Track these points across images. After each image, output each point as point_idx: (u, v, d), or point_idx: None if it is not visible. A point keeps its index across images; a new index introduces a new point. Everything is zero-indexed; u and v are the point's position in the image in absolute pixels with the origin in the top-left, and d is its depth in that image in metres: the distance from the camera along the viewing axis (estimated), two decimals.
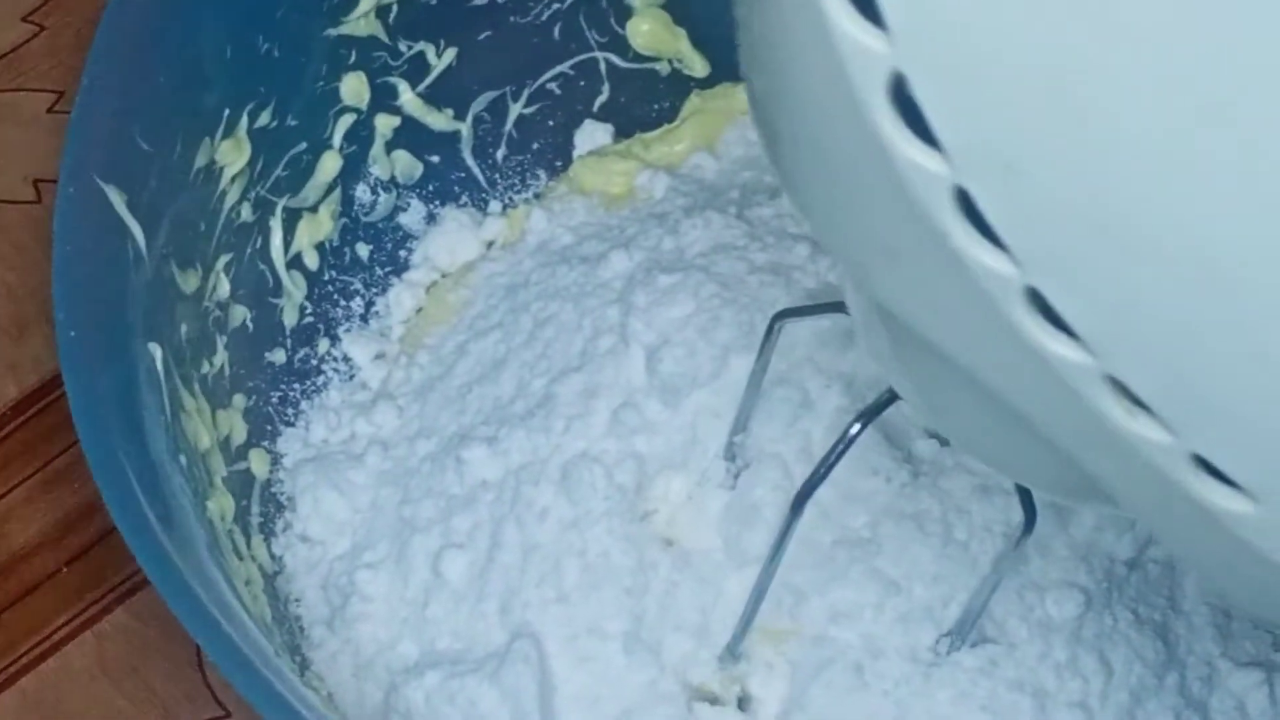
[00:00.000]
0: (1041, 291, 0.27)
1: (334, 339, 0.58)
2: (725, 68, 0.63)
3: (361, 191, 0.59)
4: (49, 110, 0.65)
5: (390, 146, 0.59)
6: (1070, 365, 0.28)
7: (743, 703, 0.50)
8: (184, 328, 0.50)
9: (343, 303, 0.59)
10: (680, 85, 0.63)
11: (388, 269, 0.60)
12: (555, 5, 0.60)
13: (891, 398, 0.42)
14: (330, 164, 0.57)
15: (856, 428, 0.44)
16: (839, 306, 0.47)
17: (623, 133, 0.63)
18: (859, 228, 0.31)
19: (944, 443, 0.51)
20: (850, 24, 0.27)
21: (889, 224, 0.29)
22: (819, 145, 0.30)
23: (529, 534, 0.51)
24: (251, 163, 0.53)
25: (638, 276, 0.55)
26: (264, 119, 0.54)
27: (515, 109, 0.61)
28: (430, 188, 0.60)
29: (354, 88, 0.57)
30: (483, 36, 0.60)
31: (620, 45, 0.62)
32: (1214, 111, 0.24)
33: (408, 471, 0.54)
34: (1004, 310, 0.28)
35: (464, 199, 0.61)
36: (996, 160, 0.26)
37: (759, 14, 0.31)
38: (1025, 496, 0.45)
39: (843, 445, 0.44)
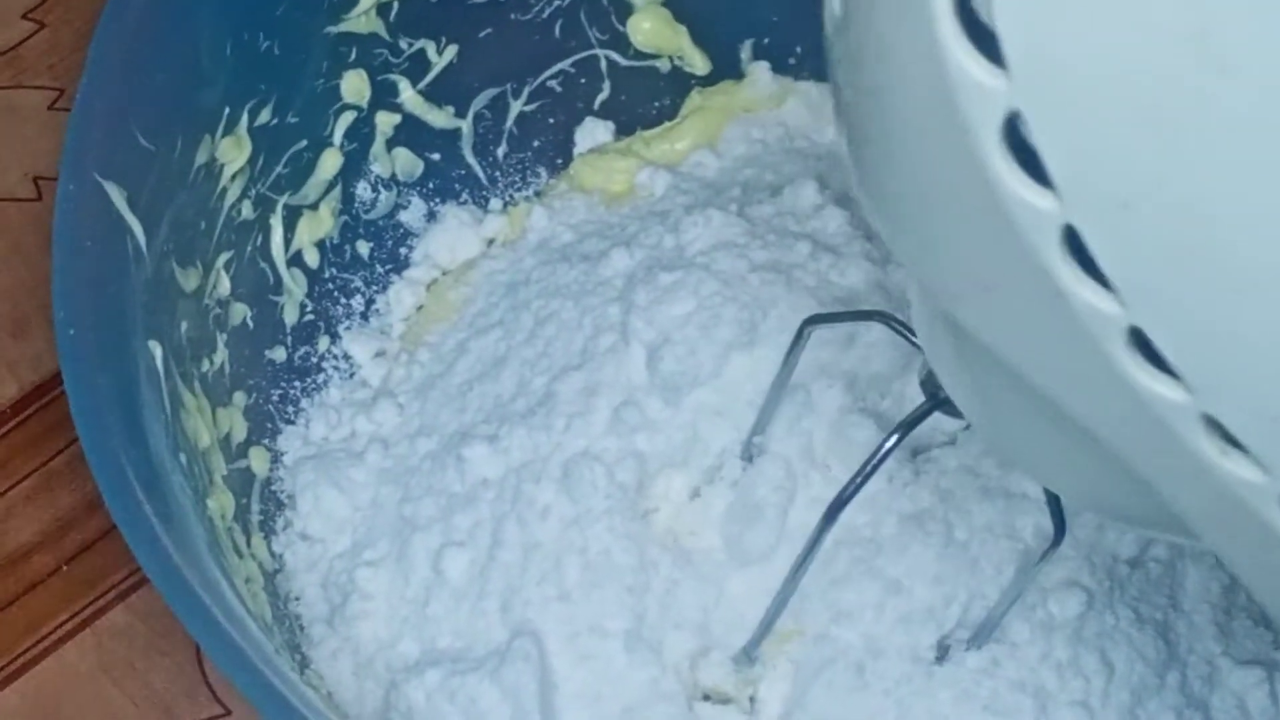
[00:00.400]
0: (1145, 330, 0.27)
1: (334, 337, 0.58)
2: (726, 65, 0.63)
3: (362, 189, 0.59)
4: (49, 108, 0.65)
5: (391, 144, 0.59)
6: (1167, 403, 0.28)
7: (749, 701, 0.50)
8: (184, 325, 0.50)
9: (343, 300, 0.59)
10: (681, 83, 0.63)
11: (388, 266, 0.60)
12: (556, 2, 0.60)
13: (929, 410, 0.42)
14: (331, 161, 0.57)
15: (894, 439, 0.43)
16: (869, 315, 0.47)
17: (623, 130, 0.63)
18: (953, 257, 0.31)
19: (947, 443, 0.51)
20: (969, 60, 0.27)
21: (989, 257, 0.29)
22: (917, 173, 0.30)
23: (530, 532, 0.51)
24: (252, 160, 0.53)
25: (638, 275, 0.55)
26: (264, 116, 0.54)
27: (516, 106, 0.61)
28: (431, 185, 0.60)
29: (355, 85, 0.57)
30: (483, 34, 0.59)
31: (621, 43, 0.62)
32: None
33: (408, 469, 0.54)
34: (1104, 348, 0.28)
35: (464, 196, 0.61)
36: (1110, 199, 0.26)
37: (865, 36, 0.31)
38: (1055, 508, 0.45)
39: (879, 457, 0.44)
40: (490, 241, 0.61)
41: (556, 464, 0.51)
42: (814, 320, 0.48)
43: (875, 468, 0.44)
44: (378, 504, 0.53)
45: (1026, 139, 0.27)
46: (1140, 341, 0.28)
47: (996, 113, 0.27)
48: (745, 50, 0.63)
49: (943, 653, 0.49)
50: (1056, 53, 0.26)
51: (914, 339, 0.41)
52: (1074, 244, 0.27)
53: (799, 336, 0.48)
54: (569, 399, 0.52)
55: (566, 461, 0.51)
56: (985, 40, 0.27)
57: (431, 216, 0.60)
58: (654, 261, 0.55)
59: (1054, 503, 0.45)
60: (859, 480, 0.44)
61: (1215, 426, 0.28)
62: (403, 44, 0.58)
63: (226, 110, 0.52)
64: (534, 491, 0.51)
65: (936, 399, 0.42)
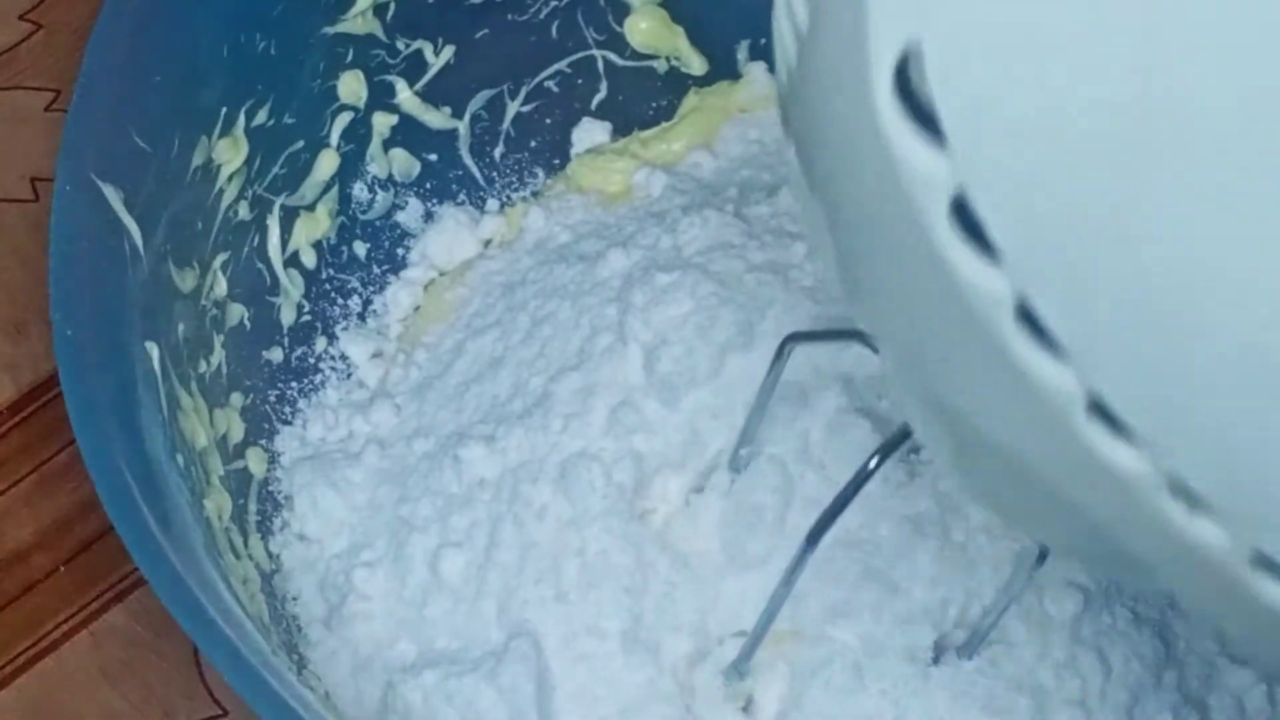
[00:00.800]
0: (1103, 397, 0.27)
1: (331, 337, 0.58)
2: (723, 65, 0.63)
3: (359, 190, 0.59)
4: (46, 109, 0.65)
5: (388, 145, 0.59)
6: (1131, 470, 0.28)
7: (744, 705, 0.50)
8: (181, 326, 0.50)
9: (340, 301, 0.59)
10: (678, 83, 0.63)
11: (385, 267, 0.60)
12: (553, 3, 0.60)
13: (908, 434, 0.42)
14: (328, 162, 0.57)
15: (874, 462, 0.43)
16: (854, 335, 0.47)
17: (620, 131, 0.63)
18: (913, 330, 0.31)
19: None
20: (911, 144, 0.27)
21: (947, 331, 0.29)
22: (871, 246, 0.30)
23: (527, 533, 0.51)
24: (249, 161, 0.53)
25: (635, 275, 0.55)
26: (261, 117, 0.54)
27: (513, 107, 0.61)
28: (428, 186, 0.60)
29: (351, 86, 0.57)
30: (480, 34, 0.59)
31: (618, 43, 0.62)
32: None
33: (405, 470, 0.54)
34: (1066, 419, 0.28)
35: (461, 197, 0.61)
36: (1059, 268, 0.26)
37: (813, 123, 0.31)
38: None
39: (859, 479, 0.44)
40: (487, 242, 0.61)
41: (553, 464, 0.51)
42: (795, 338, 0.48)
43: (857, 490, 0.44)
44: (375, 505, 0.53)
45: (974, 214, 0.27)
46: (1100, 409, 0.27)
47: (942, 192, 0.27)
48: (742, 50, 0.63)
49: (939, 653, 0.49)
50: (994, 127, 0.26)
51: None
52: (1028, 319, 0.27)
53: (780, 354, 0.48)
54: (566, 399, 0.52)
55: (564, 462, 0.51)
56: (927, 120, 0.27)
57: (428, 217, 0.60)
58: (651, 262, 0.55)
59: None
60: (839, 503, 0.44)
61: (1180, 490, 0.28)
62: (399, 45, 0.58)
63: (223, 111, 0.52)
64: (531, 492, 0.51)
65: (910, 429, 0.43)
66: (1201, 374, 0.26)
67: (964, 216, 0.27)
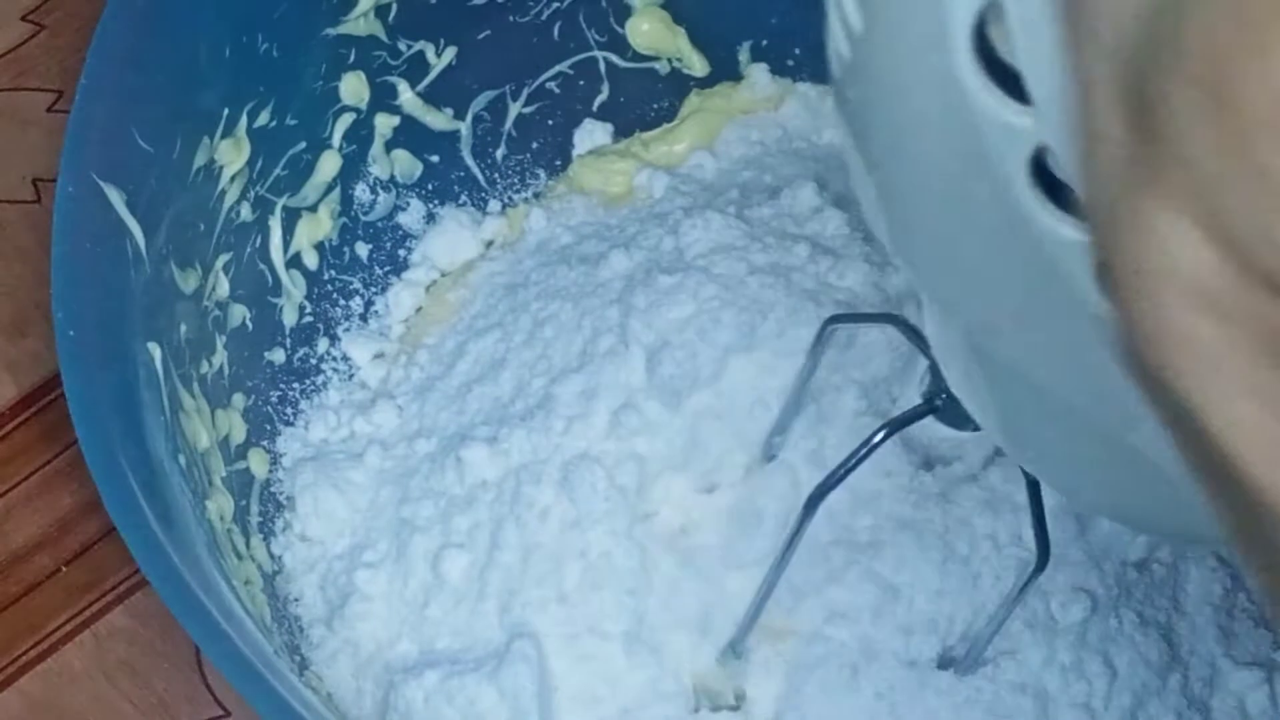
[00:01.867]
0: None
1: (333, 338, 0.58)
2: (725, 67, 0.63)
3: (361, 191, 0.59)
4: (48, 110, 0.65)
5: (390, 146, 0.59)
6: None
7: (737, 700, 0.50)
8: (183, 327, 0.50)
9: (342, 302, 0.59)
10: (679, 84, 0.63)
11: (387, 268, 0.60)
12: (555, 4, 0.60)
13: (925, 411, 0.42)
14: (330, 163, 0.57)
15: (881, 435, 0.43)
16: (888, 318, 0.47)
17: (622, 132, 0.63)
18: (989, 292, 0.31)
19: (951, 460, 0.51)
20: (992, 100, 0.27)
21: (1025, 290, 0.29)
22: (944, 210, 0.30)
23: (529, 534, 0.51)
24: (251, 162, 0.53)
25: (637, 277, 0.55)
26: (263, 118, 0.54)
27: (515, 108, 0.61)
28: (429, 187, 0.60)
29: (353, 87, 0.57)
30: (482, 36, 0.59)
31: (620, 44, 0.62)
32: None
33: (407, 471, 0.54)
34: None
35: (463, 198, 0.61)
36: None
37: (880, 79, 0.31)
38: (1040, 530, 0.44)
39: (864, 450, 0.44)
40: (489, 243, 0.61)
41: (556, 466, 0.51)
42: (836, 320, 0.48)
43: (860, 460, 0.44)
44: (377, 506, 0.53)
45: (1053, 171, 0.27)
46: None
47: (1023, 149, 0.27)
48: (744, 52, 0.63)
49: (946, 664, 0.49)
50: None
51: (924, 347, 0.41)
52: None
53: (820, 337, 0.48)
54: (568, 401, 0.52)
55: (566, 463, 0.51)
56: (1006, 78, 0.27)
57: (430, 218, 0.60)
58: (653, 264, 0.55)
59: (1039, 524, 0.44)
60: (842, 472, 0.44)
61: None
62: (401, 46, 0.58)
63: (225, 112, 0.52)
64: (533, 493, 0.51)
65: (933, 406, 0.42)
66: None
67: (1042, 170, 0.27)
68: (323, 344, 0.58)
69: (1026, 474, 0.44)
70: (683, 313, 0.53)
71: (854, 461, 0.44)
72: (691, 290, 0.53)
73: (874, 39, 0.30)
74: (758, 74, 0.63)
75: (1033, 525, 0.45)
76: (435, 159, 0.60)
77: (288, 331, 0.56)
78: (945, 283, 0.33)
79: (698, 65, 0.63)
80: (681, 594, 0.50)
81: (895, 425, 0.44)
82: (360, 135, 0.58)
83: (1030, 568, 0.45)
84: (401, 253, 0.60)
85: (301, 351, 0.57)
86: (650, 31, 0.62)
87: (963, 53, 0.27)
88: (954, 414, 0.41)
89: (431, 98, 0.59)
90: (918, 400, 0.44)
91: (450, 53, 0.59)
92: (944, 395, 0.42)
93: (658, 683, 0.49)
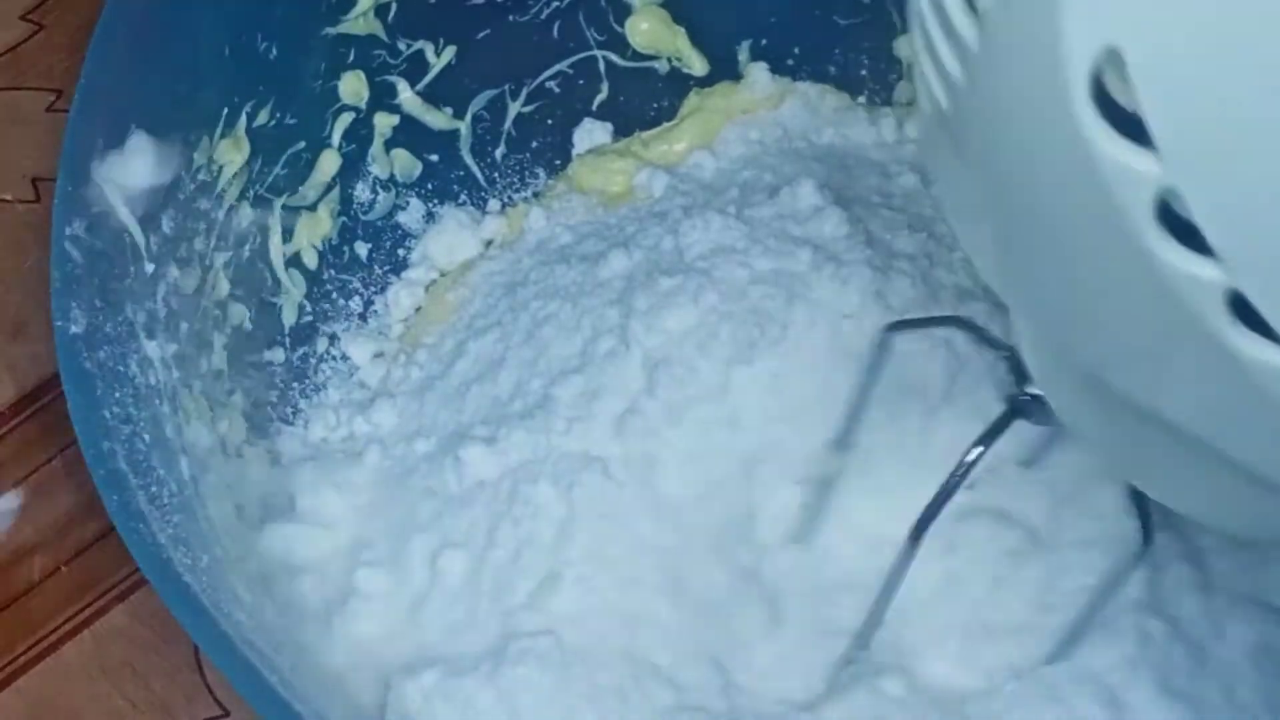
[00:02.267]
0: None
1: (333, 338, 0.58)
2: (724, 66, 0.63)
3: (360, 190, 0.59)
4: (48, 109, 0.65)
5: (389, 145, 0.59)
6: None
7: None
8: (183, 327, 0.50)
9: (341, 302, 0.59)
10: (679, 84, 0.63)
11: (386, 268, 0.60)
12: (554, 4, 0.60)
13: (1011, 416, 0.42)
14: (329, 163, 0.57)
15: (976, 453, 0.43)
16: (952, 320, 0.46)
17: (621, 131, 0.63)
18: (1111, 329, 0.31)
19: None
20: (1113, 145, 0.27)
21: (1151, 327, 0.30)
22: (1067, 253, 0.31)
23: (524, 533, 0.51)
24: (250, 161, 0.53)
25: (637, 278, 0.55)
26: (263, 118, 0.54)
27: (514, 108, 0.61)
28: (429, 186, 0.60)
29: (353, 86, 0.57)
30: (482, 35, 0.59)
31: (619, 44, 0.62)
32: None
33: (406, 470, 0.54)
34: (1272, 398, 0.28)
35: (463, 198, 0.61)
36: (1275, 259, 0.27)
37: (995, 125, 0.31)
38: (1141, 507, 0.43)
39: (961, 471, 0.43)
40: (488, 243, 0.61)
41: (554, 466, 0.51)
42: (896, 326, 0.47)
43: (960, 482, 0.43)
44: (376, 505, 0.53)
45: (1180, 212, 0.27)
46: None
47: (1148, 193, 0.27)
48: (743, 51, 0.63)
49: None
50: (1208, 128, 0.26)
51: (995, 342, 0.40)
52: (1240, 307, 0.28)
53: (882, 344, 0.47)
54: (569, 402, 0.52)
55: (564, 463, 0.51)
56: (1125, 122, 0.27)
57: (430, 218, 0.60)
58: (653, 265, 0.55)
59: (1140, 502, 0.43)
60: (943, 495, 0.43)
61: None
62: (401, 45, 0.58)
63: (225, 111, 0.52)
64: (530, 492, 0.51)
65: (1016, 408, 0.42)
66: None
67: (1169, 213, 0.28)
68: (322, 343, 0.58)
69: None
70: (683, 323, 0.53)
71: (954, 483, 0.43)
72: (692, 294, 0.53)
73: (980, 90, 0.31)
74: (757, 73, 0.63)
75: (1133, 503, 0.44)
76: (435, 158, 0.60)
77: (287, 331, 0.56)
78: (1065, 319, 0.33)
79: (697, 64, 0.63)
80: (678, 619, 0.50)
81: (987, 439, 0.43)
82: (360, 134, 0.58)
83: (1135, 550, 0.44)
84: (401, 252, 0.60)
85: (301, 351, 0.57)
86: (650, 31, 0.62)
87: (1081, 102, 0.28)
88: (1039, 411, 0.40)
89: (431, 97, 0.59)
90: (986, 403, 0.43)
91: (450, 52, 0.59)
92: (1027, 395, 0.41)
93: (649, 687, 0.49)
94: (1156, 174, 0.27)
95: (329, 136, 0.57)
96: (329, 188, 0.57)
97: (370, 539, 0.53)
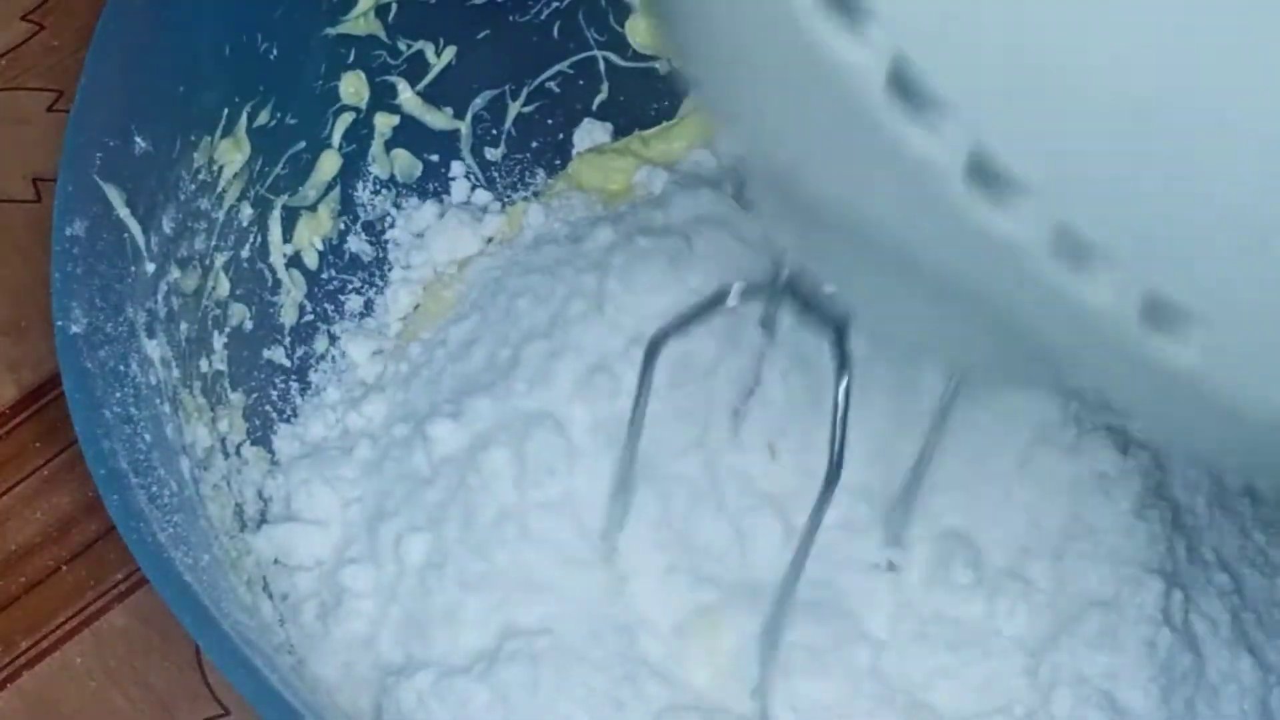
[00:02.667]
0: (987, 153, 0.27)
1: (332, 337, 0.58)
2: None
3: (361, 190, 0.59)
4: (48, 109, 0.65)
5: (389, 145, 0.59)
6: (1012, 235, 0.28)
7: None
8: (183, 326, 0.50)
9: (341, 301, 0.59)
10: (679, 83, 0.63)
11: (387, 268, 0.60)
12: (554, 4, 0.60)
13: (835, 323, 0.41)
14: (329, 163, 0.57)
15: (845, 381, 0.42)
16: (711, 303, 0.45)
17: (622, 131, 0.63)
18: (791, 127, 0.31)
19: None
20: None
21: (823, 121, 0.30)
22: (737, 35, 0.31)
23: (475, 505, 0.50)
24: (250, 162, 0.53)
25: (619, 243, 0.55)
26: (263, 118, 0.54)
27: (514, 108, 0.61)
28: (429, 187, 0.60)
29: (353, 86, 0.57)
30: (482, 35, 0.60)
31: (619, 43, 0.62)
32: None
33: (382, 458, 0.54)
34: (942, 187, 0.28)
35: (463, 198, 0.61)
36: (932, 24, 0.27)
37: None
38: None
39: (842, 410, 0.42)
40: (488, 240, 0.61)
41: (511, 427, 0.51)
42: (663, 333, 0.46)
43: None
44: (362, 499, 0.53)
45: None
46: (979, 170, 0.28)
47: None
48: None
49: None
50: None
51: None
52: (900, 83, 0.27)
53: (648, 357, 0.46)
54: (533, 364, 0.52)
55: (520, 425, 0.51)
56: None
57: (430, 218, 0.60)
58: (635, 230, 0.55)
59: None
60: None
61: (1065, 244, 0.28)
62: (401, 45, 0.58)
63: (225, 112, 0.52)
64: (483, 458, 0.51)
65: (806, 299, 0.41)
66: (1071, 123, 0.27)
67: None
68: (322, 343, 0.58)
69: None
70: (656, 280, 0.52)
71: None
72: (669, 252, 0.53)
73: None
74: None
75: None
76: (435, 158, 0.60)
77: (287, 330, 0.56)
78: (757, 124, 0.33)
79: None
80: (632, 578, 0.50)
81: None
82: (360, 134, 0.58)
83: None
84: (401, 252, 0.60)
85: (301, 350, 0.57)
86: (650, 30, 0.62)
87: None
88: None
89: (431, 97, 0.59)
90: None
91: (450, 52, 0.59)
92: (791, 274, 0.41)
93: (642, 680, 0.49)
94: None
95: (329, 137, 0.57)
96: (329, 188, 0.57)
97: (353, 535, 0.53)
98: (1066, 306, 0.29)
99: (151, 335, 0.48)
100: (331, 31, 0.56)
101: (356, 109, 0.57)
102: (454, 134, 0.61)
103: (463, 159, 0.61)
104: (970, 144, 0.28)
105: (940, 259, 0.30)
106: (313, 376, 0.57)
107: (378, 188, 0.59)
